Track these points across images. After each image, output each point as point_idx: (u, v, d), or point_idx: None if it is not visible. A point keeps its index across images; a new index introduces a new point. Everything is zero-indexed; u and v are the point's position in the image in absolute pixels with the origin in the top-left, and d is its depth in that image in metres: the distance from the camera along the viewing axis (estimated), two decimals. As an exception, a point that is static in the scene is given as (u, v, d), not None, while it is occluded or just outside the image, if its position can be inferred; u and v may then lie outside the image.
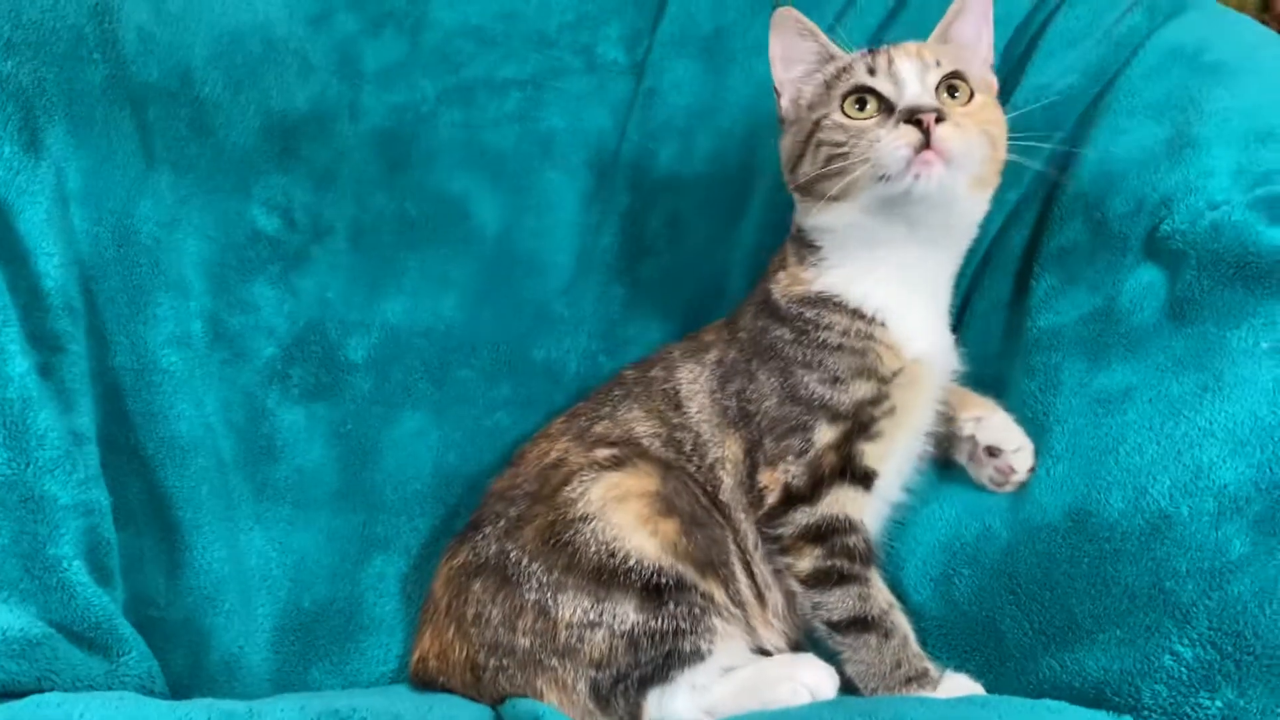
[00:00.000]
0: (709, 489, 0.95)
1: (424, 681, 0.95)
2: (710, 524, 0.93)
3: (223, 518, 1.01)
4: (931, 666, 0.88)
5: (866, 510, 0.93)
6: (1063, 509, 0.87)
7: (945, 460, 1.00)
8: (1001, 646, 0.87)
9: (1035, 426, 0.95)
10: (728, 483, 0.95)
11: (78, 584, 0.84)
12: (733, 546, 0.94)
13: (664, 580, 0.88)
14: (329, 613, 1.03)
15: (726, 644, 0.89)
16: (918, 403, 0.94)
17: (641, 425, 0.98)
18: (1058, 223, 1.04)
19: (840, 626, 0.89)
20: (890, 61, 0.92)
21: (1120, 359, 0.94)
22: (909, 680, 0.86)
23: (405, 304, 1.12)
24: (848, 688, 0.89)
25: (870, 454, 0.92)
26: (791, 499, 0.91)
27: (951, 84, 0.91)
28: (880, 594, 0.90)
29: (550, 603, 0.88)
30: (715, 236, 1.20)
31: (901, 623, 0.89)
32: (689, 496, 0.93)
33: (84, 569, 0.86)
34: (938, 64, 0.92)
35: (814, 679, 0.86)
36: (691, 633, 0.87)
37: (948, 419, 0.98)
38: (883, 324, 0.93)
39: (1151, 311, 0.94)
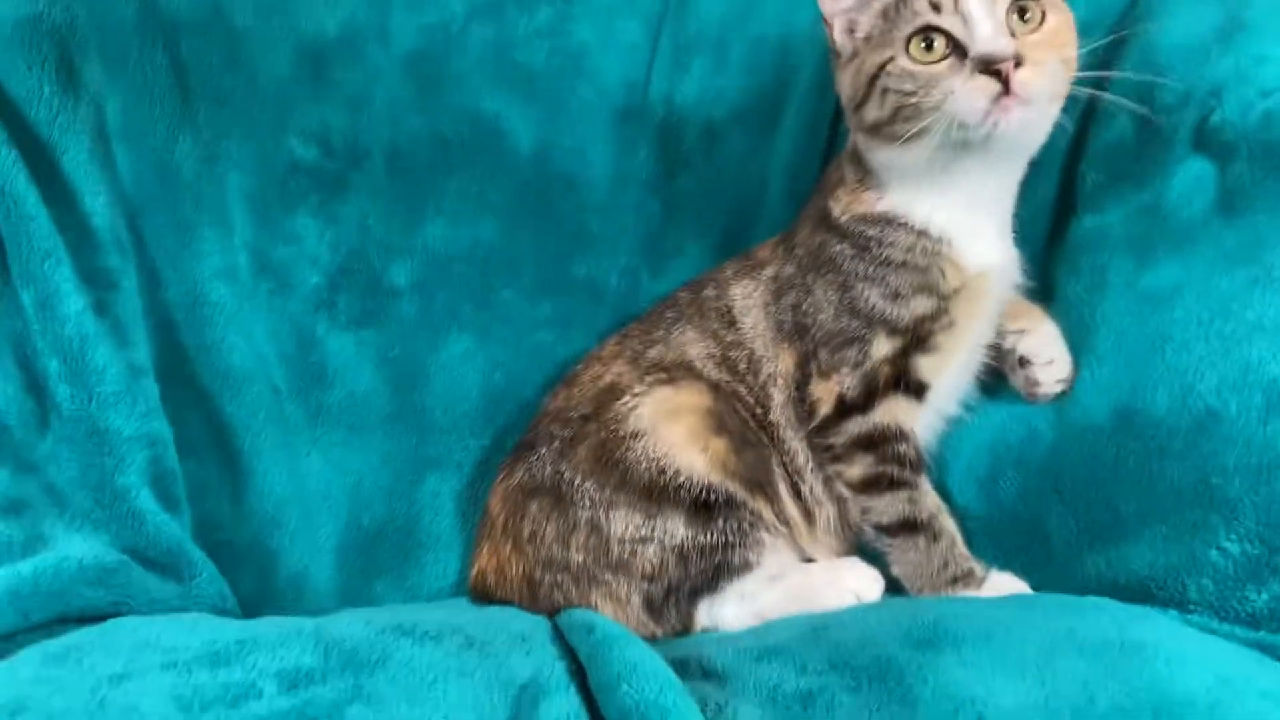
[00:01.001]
0: (760, 409, 0.96)
1: (482, 595, 0.98)
2: (759, 444, 0.94)
3: (280, 443, 1.04)
4: (977, 566, 0.89)
5: (918, 420, 0.93)
6: (1108, 409, 0.87)
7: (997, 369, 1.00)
8: (1047, 545, 0.88)
9: (1081, 329, 0.95)
10: (778, 399, 0.96)
11: (147, 511, 0.88)
12: (778, 468, 0.95)
13: (713, 496, 0.89)
14: (388, 530, 1.07)
15: (774, 555, 0.91)
16: (977, 317, 0.93)
17: (695, 347, 0.98)
18: (1104, 118, 1.01)
19: (890, 529, 0.91)
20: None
21: (1168, 255, 0.92)
22: (955, 580, 0.88)
23: (444, 227, 1.13)
24: (894, 587, 0.91)
25: (925, 367, 0.92)
26: (845, 409, 0.92)
27: (1022, 6, 0.85)
28: (929, 498, 0.91)
29: (603, 519, 0.91)
30: (751, 147, 1.18)
31: (949, 525, 0.90)
32: (739, 417, 0.94)
33: (151, 497, 0.89)
34: None
35: (859, 583, 0.88)
36: (740, 546, 0.89)
37: (998, 330, 0.97)
38: (949, 242, 0.91)
39: (1201, 205, 0.92)
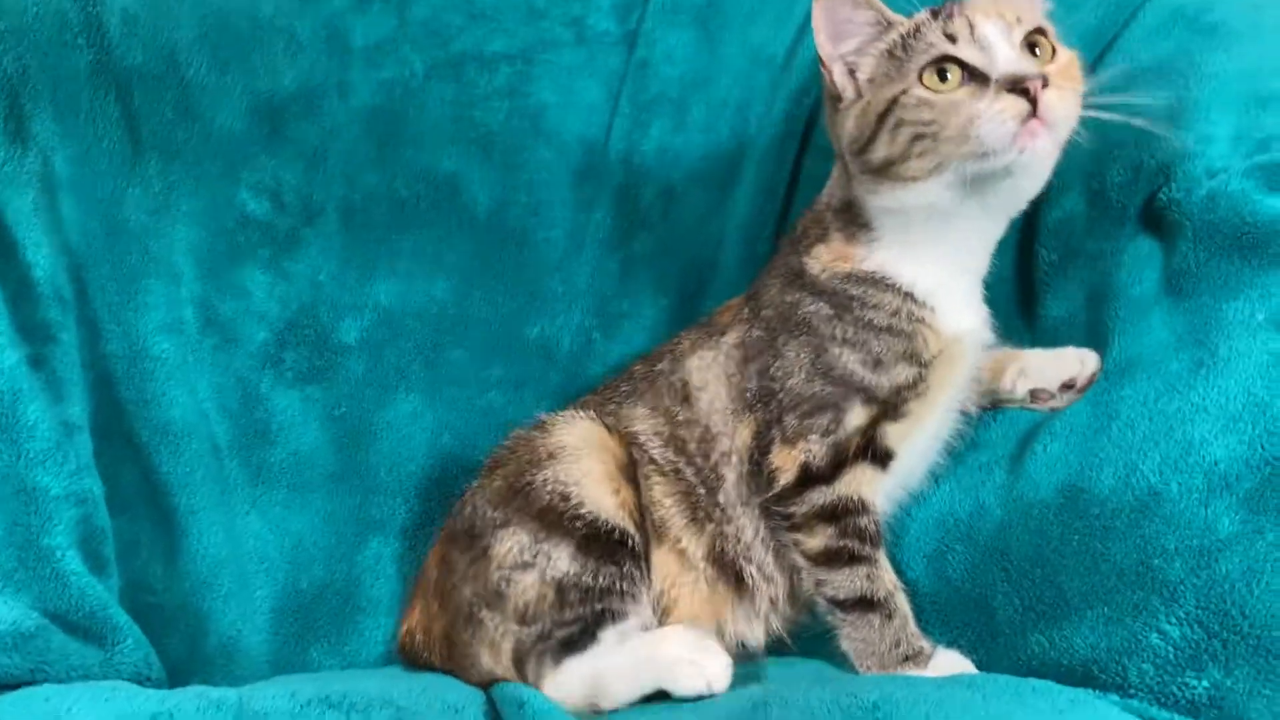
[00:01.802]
0: (703, 489, 0.94)
1: (410, 657, 0.95)
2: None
3: (218, 502, 1.02)
4: (926, 644, 0.87)
5: (880, 491, 0.92)
6: (1055, 485, 0.86)
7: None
8: (992, 623, 0.86)
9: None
10: (730, 478, 0.93)
11: (71, 573, 0.85)
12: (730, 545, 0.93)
13: (616, 536, 0.87)
14: (326, 594, 1.04)
15: (638, 614, 0.88)
16: (951, 385, 0.92)
17: (643, 423, 0.96)
18: (1055, 192, 1.02)
19: (845, 605, 0.88)
20: (972, 26, 0.85)
21: (1120, 333, 0.92)
22: (905, 659, 0.86)
23: (397, 286, 1.12)
24: (842, 659, 0.89)
25: (894, 434, 0.90)
26: (809, 478, 0.89)
27: (1033, 41, 0.85)
28: (887, 575, 0.89)
29: (492, 540, 0.88)
30: (709, 208, 1.19)
31: (903, 604, 0.88)
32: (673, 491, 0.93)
33: (78, 558, 0.87)
34: (1019, 20, 0.85)
35: (717, 670, 0.83)
36: (621, 595, 0.86)
37: (989, 389, 0.97)
38: (932, 308, 0.90)
39: (1150, 284, 0.93)
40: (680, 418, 0.96)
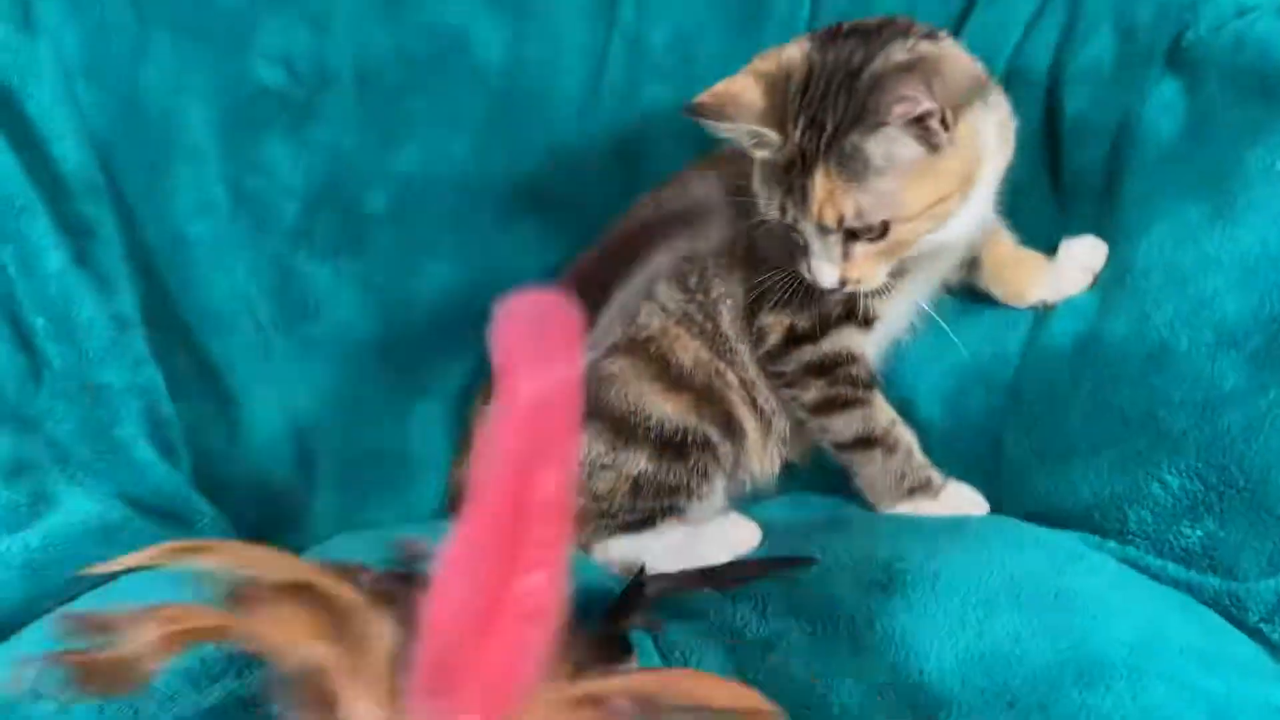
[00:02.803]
0: (710, 324, 0.97)
1: (457, 506, 1.03)
2: (711, 392, 0.96)
3: (271, 377, 1.07)
4: (935, 475, 0.93)
5: (868, 344, 0.95)
6: (1073, 334, 0.90)
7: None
8: (1002, 462, 0.92)
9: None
10: (727, 316, 0.97)
11: (146, 463, 0.92)
12: (738, 397, 0.97)
13: (689, 437, 0.93)
14: (381, 456, 1.11)
15: (707, 502, 0.95)
16: (923, 270, 0.94)
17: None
18: (1083, 34, 0.99)
19: (847, 445, 0.94)
20: (794, 220, 0.86)
21: (1140, 179, 0.93)
22: (912, 490, 0.92)
23: (418, 151, 1.12)
24: (858, 497, 0.96)
25: (876, 303, 0.93)
26: (796, 338, 0.93)
27: (852, 231, 0.84)
28: (882, 413, 0.94)
29: None
30: (727, 52, 1.16)
31: (905, 437, 0.94)
32: (688, 368, 0.96)
33: (149, 447, 0.93)
34: (838, 224, 0.84)
35: (739, 536, 0.92)
36: (693, 491, 0.93)
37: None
38: None
39: (1172, 129, 0.92)
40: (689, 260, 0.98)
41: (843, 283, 0.86)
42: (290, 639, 0.49)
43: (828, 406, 0.94)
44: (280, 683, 0.49)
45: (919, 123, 0.80)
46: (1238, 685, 0.60)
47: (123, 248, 0.99)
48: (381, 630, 0.51)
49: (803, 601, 0.74)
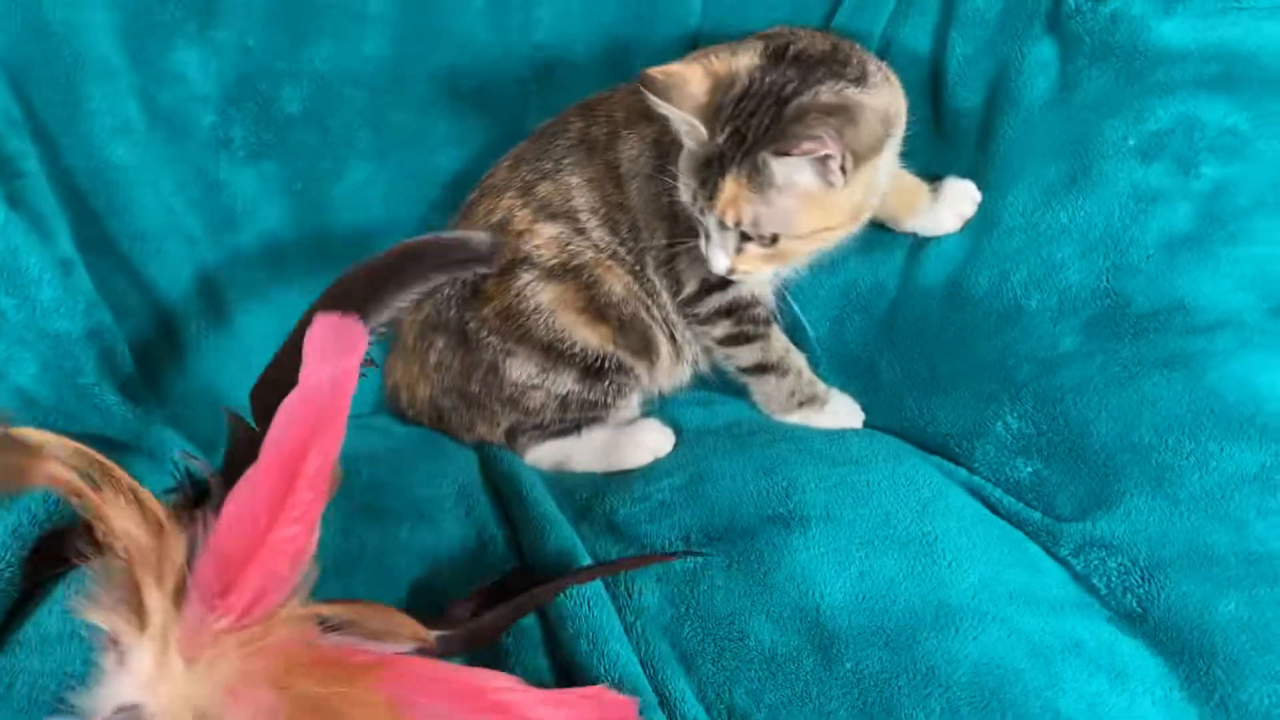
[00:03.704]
0: (638, 266, 1.08)
1: (396, 409, 1.16)
2: (636, 321, 1.08)
3: (206, 291, 1.11)
4: (820, 390, 1.09)
5: (767, 289, 1.09)
6: (943, 279, 1.04)
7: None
8: (877, 382, 1.08)
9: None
10: (651, 264, 1.08)
11: (111, 405, 0.95)
12: (659, 328, 1.10)
13: (606, 363, 1.06)
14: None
15: (625, 411, 1.10)
16: None
17: (582, 197, 1.07)
18: (974, -20, 1.06)
19: (748, 370, 1.10)
20: (701, 209, 0.96)
21: (1010, 136, 1.04)
22: (801, 404, 1.09)
23: (330, 48, 1.12)
24: (755, 407, 1.12)
25: None
26: (708, 288, 1.07)
27: (745, 234, 0.95)
28: (777, 344, 1.09)
29: (502, 364, 1.06)
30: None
31: (795, 362, 1.09)
32: (623, 296, 1.07)
33: (111, 388, 0.96)
34: (736, 225, 0.95)
35: (655, 441, 1.05)
36: (610, 405, 1.07)
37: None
38: None
39: (1044, 88, 1.03)
40: (614, 200, 1.07)
41: (730, 271, 0.99)
42: (122, 525, 0.64)
43: (733, 340, 1.08)
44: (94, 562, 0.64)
45: (821, 161, 0.91)
46: (1050, 623, 0.80)
47: (50, 183, 0.99)
48: (178, 541, 0.66)
49: (720, 531, 0.90)
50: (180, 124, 1.08)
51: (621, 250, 1.07)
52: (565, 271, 1.05)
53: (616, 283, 1.07)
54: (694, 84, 0.93)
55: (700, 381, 1.16)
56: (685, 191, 0.97)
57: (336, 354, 0.70)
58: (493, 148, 1.16)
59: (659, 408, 1.13)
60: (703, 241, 0.99)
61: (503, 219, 1.08)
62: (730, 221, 0.95)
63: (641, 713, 0.73)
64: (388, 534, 0.91)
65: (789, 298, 1.09)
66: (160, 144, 1.07)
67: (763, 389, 1.10)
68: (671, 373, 1.13)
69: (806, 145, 0.89)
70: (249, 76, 1.10)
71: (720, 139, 0.92)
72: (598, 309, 1.06)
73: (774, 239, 0.96)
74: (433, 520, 0.94)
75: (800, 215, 0.94)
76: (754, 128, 0.91)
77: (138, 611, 0.63)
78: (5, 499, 0.78)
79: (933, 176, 1.08)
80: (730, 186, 0.93)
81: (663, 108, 0.93)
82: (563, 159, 1.08)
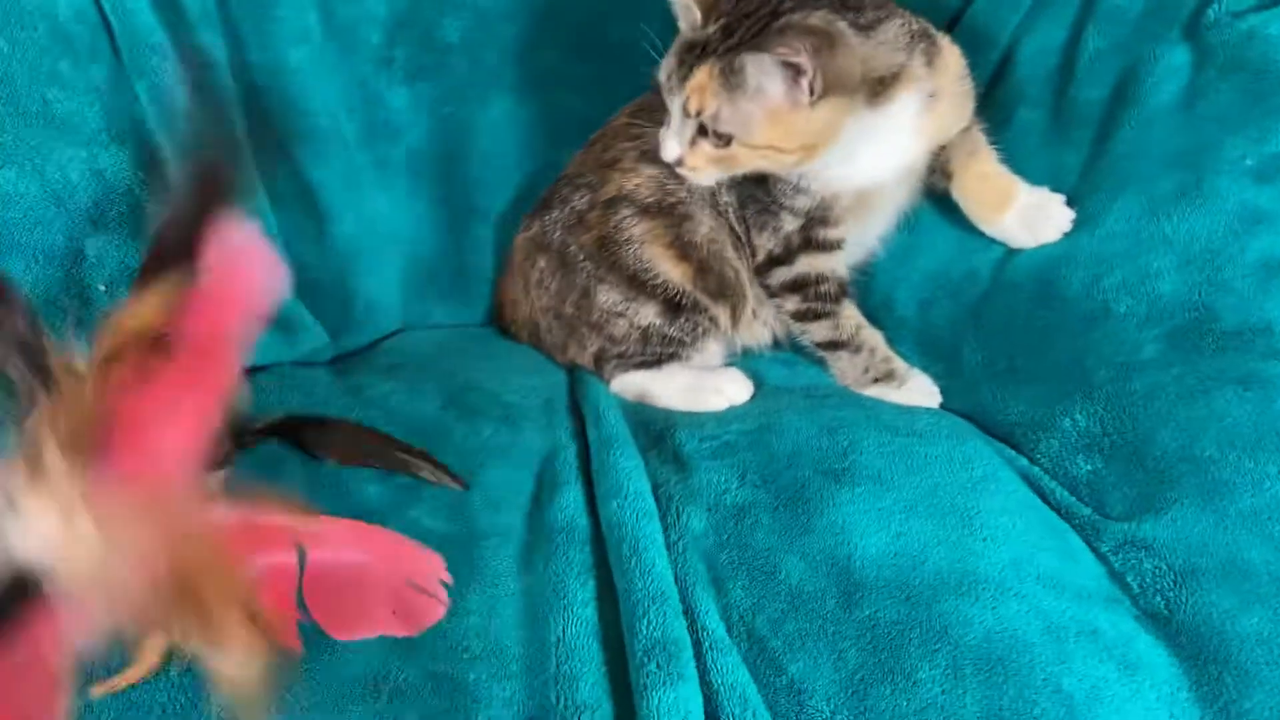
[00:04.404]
0: (724, 217, 1.13)
1: (501, 323, 1.25)
2: (717, 264, 1.13)
3: (354, 192, 1.22)
4: (899, 367, 1.12)
5: (837, 264, 1.12)
6: (1035, 274, 1.05)
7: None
8: (958, 366, 1.10)
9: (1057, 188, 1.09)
10: (733, 217, 1.13)
11: None
12: (746, 278, 1.15)
13: (684, 300, 1.12)
14: (442, 264, 1.29)
15: (701, 356, 1.16)
16: (870, 209, 1.09)
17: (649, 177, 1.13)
18: (1116, -24, 1.06)
19: (821, 345, 1.14)
20: (670, 91, 1.00)
21: (1130, 137, 1.04)
22: (876, 380, 1.12)
23: (493, -18, 1.21)
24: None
25: (832, 233, 1.09)
26: (773, 260, 1.12)
27: (703, 127, 0.98)
28: (849, 321, 1.13)
29: (594, 289, 1.14)
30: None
31: (869, 339, 1.13)
32: (706, 239, 1.12)
33: None
34: (697, 114, 0.98)
35: (733, 390, 1.10)
36: (689, 344, 1.13)
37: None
38: (812, 174, 1.05)
39: (1170, 95, 1.03)
40: None
41: (678, 163, 1.02)
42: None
43: (803, 316, 1.13)
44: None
45: (793, 73, 0.94)
46: (1073, 608, 0.82)
47: (231, 70, 1.11)
48: (88, 405, 0.66)
49: (774, 474, 0.95)
50: (351, 39, 1.19)
51: (711, 198, 1.13)
52: (659, 209, 1.12)
53: (702, 225, 1.13)
54: None
55: (785, 344, 1.21)
56: (662, 70, 1.01)
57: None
58: (625, 96, 1.23)
59: (743, 361, 1.19)
60: (664, 129, 1.03)
61: (613, 157, 1.15)
62: (693, 109, 0.98)
63: (665, 619, 0.79)
64: (472, 428, 1.00)
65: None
66: (333, 54, 1.18)
67: (836, 364, 1.14)
68: (751, 328, 1.19)
69: (781, 50, 0.92)
70: (418, 3, 1.20)
71: (709, 29, 0.97)
72: (681, 247, 1.12)
73: (728, 141, 0.99)
74: (515, 425, 1.03)
75: (758, 124, 0.97)
76: (743, 29, 0.96)
77: (38, 469, 0.62)
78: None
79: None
80: (703, 74, 0.97)
81: None
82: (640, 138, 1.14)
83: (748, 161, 1.01)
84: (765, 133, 0.98)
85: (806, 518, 0.90)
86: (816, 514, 0.90)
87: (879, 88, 1.00)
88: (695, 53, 0.98)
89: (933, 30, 1.06)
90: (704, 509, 0.93)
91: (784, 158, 1.00)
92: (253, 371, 1.02)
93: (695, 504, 0.94)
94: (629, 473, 0.94)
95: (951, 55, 1.06)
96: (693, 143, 1.01)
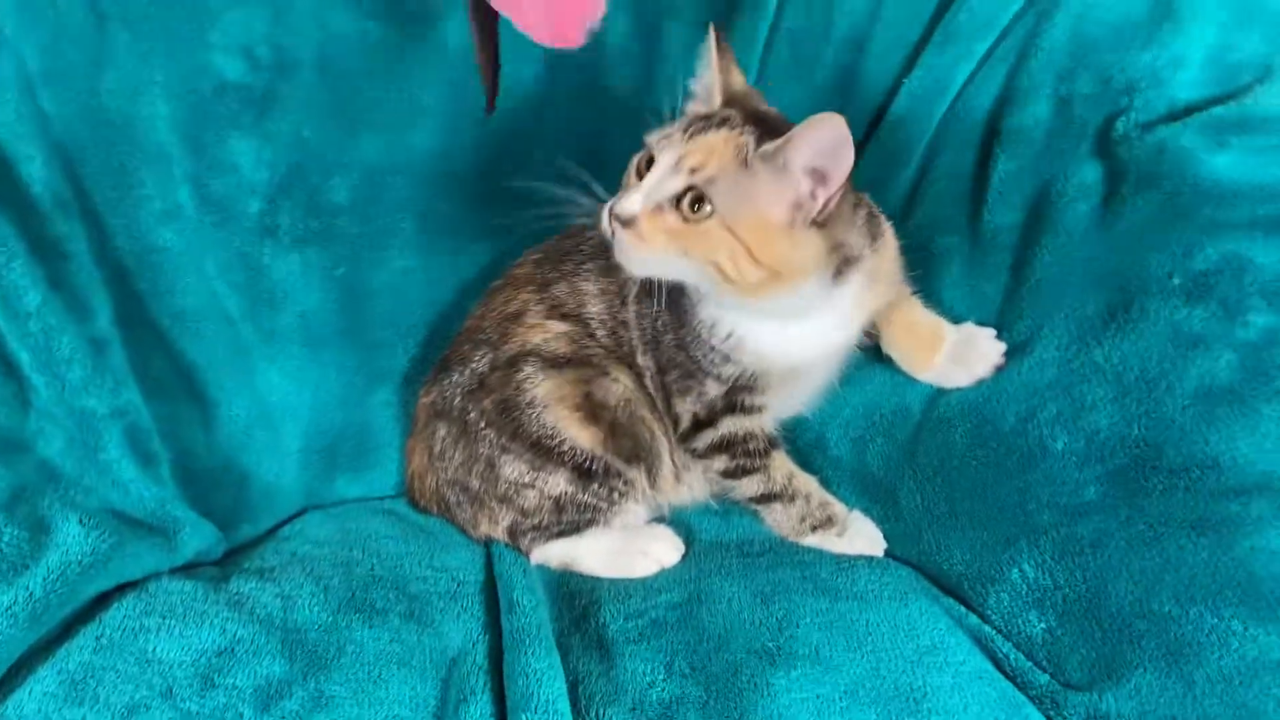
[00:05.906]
0: (642, 381, 1.07)
1: (412, 496, 1.18)
2: (632, 426, 1.06)
3: (241, 369, 1.14)
4: (837, 512, 1.05)
5: (763, 422, 1.06)
6: (968, 410, 0.99)
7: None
8: (898, 509, 1.04)
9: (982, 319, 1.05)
10: (651, 386, 1.08)
11: (130, 481, 0.98)
12: (662, 440, 1.08)
13: (594, 465, 1.05)
14: (345, 436, 1.20)
15: (622, 518, 1.08)
16: (797, 380, 1.05)
17: (593, 305, 1.08)
18: (1024, 94, 1.02)
19: (753, 499, 1.08)
20: (658, 150, 0.93)
21: (1049, 262, 0.99)
22: (814, 528, 1.05)
23: (380, 140, 1.15)
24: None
25: (759, 400, 1.04)
26: (698, 424, 1.06)
27: (682, 197, 0.91)
28: (779, 473, 1.06)
29: (498, 460, 1.06)
30: (689, 42, 1.16)
31: (802, 486, 1.06)
32: (621, 399, 1.06)
33: (133, 465, 0.99)
34: (691, 171, 0.90)
35: (661, 551, 1.04)
36: (608, 509, 1.06)
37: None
38: (739, 338, 1.00)
39: (1086, 214, 0.98)
40: (619, 316, 1.08)
41: (632, 220, 0.91)
42: None
43: (733, 474, 1.07)
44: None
45: (819, 181, 0.89)
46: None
47: (94, 263, 1.02)
48: None
49: (706, 661, 0.87)
50: (229, 210, 1.12)
51: (625, 363, 1.07)
52: (570, 362, 1.05)
53: (617, 384, 1.06)
54: (739, 80, 0.97)
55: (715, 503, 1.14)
56: (658, 131, 0.95)
57: None
58: (528, 240, 1.17)
59: (674, 513, 1.11)
60: (634, 177, 0.95)
61: (517, 310, 1.09)
62: (690, 164, 0.91)
63: None
64: (372, 634, 0.91)
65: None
66: (208, 229, 1.11)
67: (770, 516, 1.08)
68: (675, 489, 1.12)
69: (842, 133, 0.85)
70: (300, 166, 1.14)
71: (731, 111, 0.93)
72: (591, 408, 1.05)
73: (708, 214, 0.90)
74: (421, 621, 0.94)
75: (753, 209, 0.90)
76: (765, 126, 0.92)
77: None
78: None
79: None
80: (719, 137, 0.91)
81: (711, 60, 0.95)
82: (583, 264, 1.09)
83: (706, 251, 0.90)
84: (751, 222, 0.90)
85: (740, 713, 0.82)
86: (751, 708, 0.82)
87: (843, 267, 0.96)
88: (709, 121, 0.93)
89: (876, 209, 1.02)
90: (627, 710, 0.85)
91: (744, 264, 0.90)
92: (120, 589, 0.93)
93: (618, 704, 0.85)
94: (540, 676, 0.85)
95: (890, 235, 1.03)
96: (658, 208, 0.92)
